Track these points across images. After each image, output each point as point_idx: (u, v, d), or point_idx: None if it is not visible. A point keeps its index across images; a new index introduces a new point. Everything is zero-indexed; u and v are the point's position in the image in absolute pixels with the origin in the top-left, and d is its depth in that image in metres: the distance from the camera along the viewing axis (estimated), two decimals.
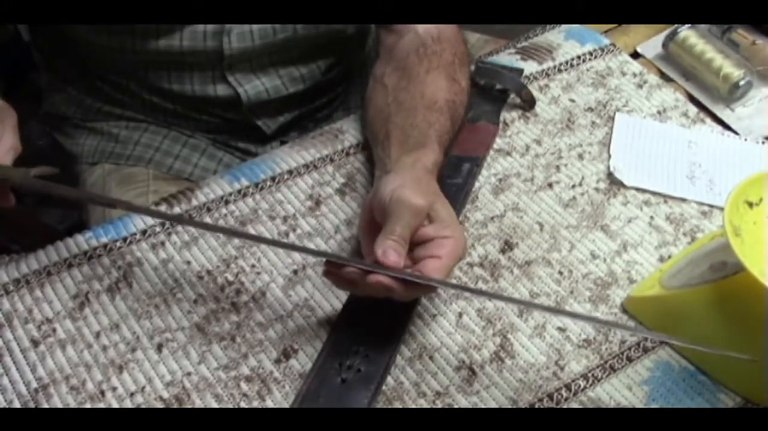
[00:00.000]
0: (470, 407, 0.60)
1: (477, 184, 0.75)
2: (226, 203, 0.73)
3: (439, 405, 0.60)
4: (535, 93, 0.82)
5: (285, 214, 0.72)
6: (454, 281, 0.67)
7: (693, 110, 0.83)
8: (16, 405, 0.59)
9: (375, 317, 0.64)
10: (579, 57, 0.87)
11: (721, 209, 0.56)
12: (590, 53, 0.87)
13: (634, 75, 0.86)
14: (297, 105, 0.90)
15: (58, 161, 0.91)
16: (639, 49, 0.90)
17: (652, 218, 0.73)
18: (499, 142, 0.79)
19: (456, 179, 0.74)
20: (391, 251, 0.56)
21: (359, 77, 0.97)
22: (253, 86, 0.84)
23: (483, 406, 0.60)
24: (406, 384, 0.61)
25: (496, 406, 0.60)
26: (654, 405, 0.60)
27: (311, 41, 0.83)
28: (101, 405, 0.59)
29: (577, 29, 0.90)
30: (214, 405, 0.60)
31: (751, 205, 0.58)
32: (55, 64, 0.91)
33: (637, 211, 0.73)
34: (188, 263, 0.68)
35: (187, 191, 0.74)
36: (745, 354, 0.54)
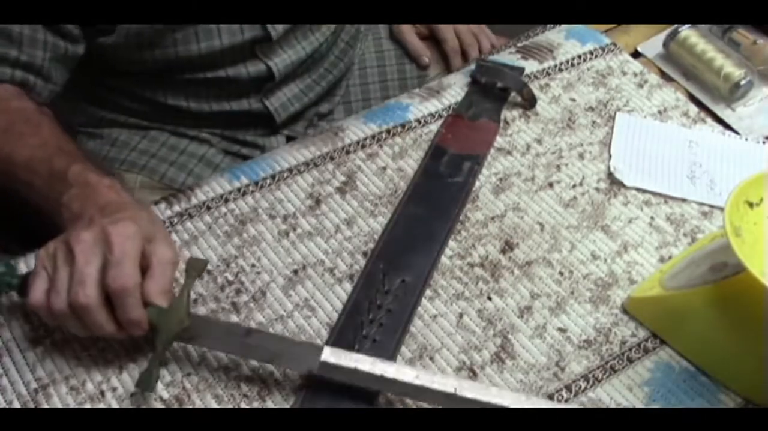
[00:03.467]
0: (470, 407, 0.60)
1: (477, 183, 0.75)
2: (226, 201, 0.73)
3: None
4: (536, 92, 0.82)
5: (285, 213, 0.72)
6: (455, 281, 0.67)
7: (694, 109, 0.83)
8: (16, 405, 0.59)
9: (375, 316, 0.64)
10: (580, 56, 0.87)
11: (722, 209, 0.56)
12: (591, 53, 0.87)
13: (635, 75, 0.85)
14: (302, 75, 0.91)
15: None
16: (640, 49, 0.90)
17: (652, 218, 0.73)
18: (499, 141, 0.79)
19: (457, 177, 0.74)
20: None
21: (359, 70, 0.98)
22: (281, 59, 0.86)
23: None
24: None
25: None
26: (654, 406, 0.60)
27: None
28: (101, 405, 0.59)
29: (578, 29, 0.89)
30: (214, 405, 0.60)
31: (751, 205, 0.58)
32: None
33: (637, 211, 0.73)
34: None
35: (186, 190, 0.74)
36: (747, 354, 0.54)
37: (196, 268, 0.61)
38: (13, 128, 0.68)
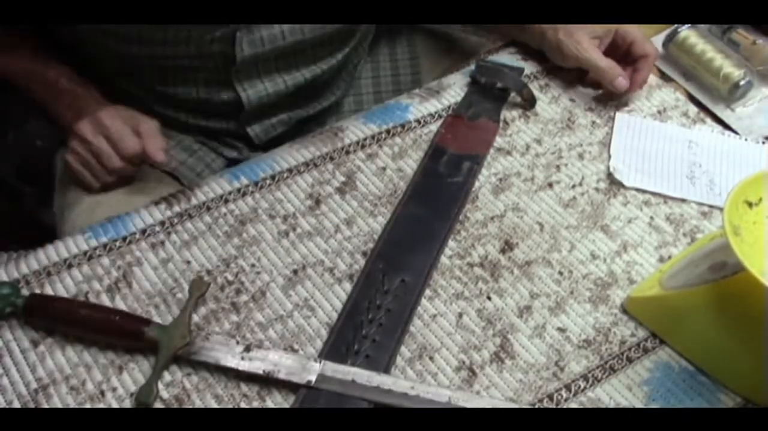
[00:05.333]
0: (470, 407, 0.60)
1: (477, 183, 0.75)
2: (226, 201, 0.73)
3: None
4: (536, 92, 0.82)
5: (285, 213, 0.72)
6: (454, 281, 0.67)
7: (693, 109, 0.83)
8: (16, 405, 0.59)
9: (375, 316, 0.64)
10: None
11: (721, 209, 0.56)
12: None
13: None
14: (291, 107, 0.89)
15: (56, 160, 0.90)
16: None
17: (652, 218, 0.73)
18: (499, 141, 0.79)
19: (456, 177, 0.74)
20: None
21: (352, 80, 0.97)
22: (255, 91, 0.84)
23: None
24: None
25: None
26: (654, 406, 0.60)
27: (316, 42, 0.83)
28: (101, 405, 0.59)
29: None
30: (214, 405, 0.60)
31: (750, 205, 0.58)
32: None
33: (637, 211, 0.73)
34: (188, 262, 0.68)
35: (186, 190, 0.74)
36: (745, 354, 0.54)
37: (199, 288, 0.64)
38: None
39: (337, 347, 0.62)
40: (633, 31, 0.81)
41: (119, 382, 0.61)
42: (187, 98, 0.84)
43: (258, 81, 0.84)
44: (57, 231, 0.81)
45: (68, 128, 0.79)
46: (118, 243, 0.69)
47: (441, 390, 0.60)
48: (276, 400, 0.60)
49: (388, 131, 0.79)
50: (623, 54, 0.82)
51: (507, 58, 0.87)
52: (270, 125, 0.89)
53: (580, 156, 0.78)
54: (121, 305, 0.65)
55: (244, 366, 0.60)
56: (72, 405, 0.59)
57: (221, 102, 0.84)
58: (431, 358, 0.63)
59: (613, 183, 0.75)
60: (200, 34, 0.77)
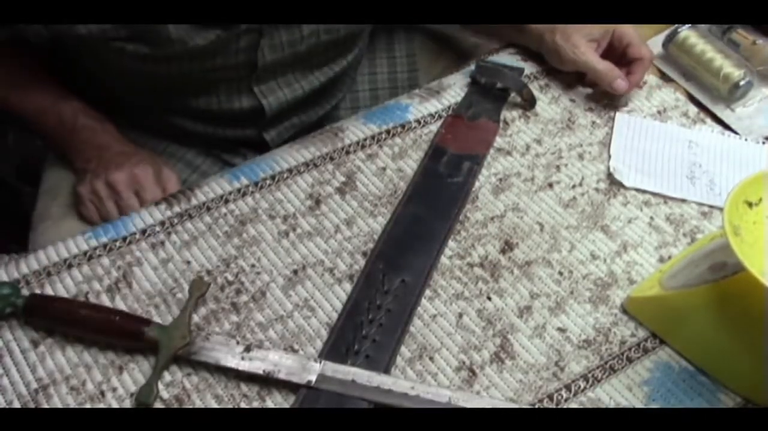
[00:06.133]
0: (470, 407, 0.60)
1: (477, 183, 0.75)
2: (226, 202, 0.73)
3: None
4: (536, 92, 0.82)
5: (285, 213, 0.72)
6: (454, 281, 0.67)
7: (693, 110, 0.83)
8: (16, 405, 0.59)
9: (375, 317, 0.64)
10: None
11: (721, 209, 0.56)
12: None
13: None
14: (305, 110, 0.90)
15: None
16: None
17: (652, 218, 0.73)
18: (499, 141, 0.79)
19: (456, 177, 0.74)
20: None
21: (351, 82, 0.97)
22: (275, 98, 0.85)
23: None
24: None
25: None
26: (654, 406, 0.60)
27: (330, 45, 0.83)
28: (101, 405, 0.59)
29: None
30: (214, 405, 0.60)
31: (750, 205, 0.58)
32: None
33: (637, 211, 0.73)
34: (188, 263, 0.68)
35: (186, 191, 0.74)
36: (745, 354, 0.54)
37: (199, 288, 0.64)
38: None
39: (337, 347, 0.62)
40: (629, 33, 0.81)
41: (119, 382, 0.61)
42: (208, 109, 0.84)
43: (276, 86, 0.84)
44: (28, 241, 0.83)
45: (78, 162, 0.81)
46: (118, 243, 0.69)
47: (441, 390, 0.60)
48: (276, 400, 0.60)
49: (388, 131, 0.79)
50: (620, 55, 0.82)
51: (507, 58, 0.87)
52: (283, 129, 0.90)
53: (580, 156, 0.78)
54: (121, 305, 0.65)
55: (244, 366, 0.60)
56: (72, 405, 0.59)
57: (242, 110, 0.85)
58: (431, 358, 0.63)
59: (613, 183, 0.75)
60: (226, 45, 0.77)
